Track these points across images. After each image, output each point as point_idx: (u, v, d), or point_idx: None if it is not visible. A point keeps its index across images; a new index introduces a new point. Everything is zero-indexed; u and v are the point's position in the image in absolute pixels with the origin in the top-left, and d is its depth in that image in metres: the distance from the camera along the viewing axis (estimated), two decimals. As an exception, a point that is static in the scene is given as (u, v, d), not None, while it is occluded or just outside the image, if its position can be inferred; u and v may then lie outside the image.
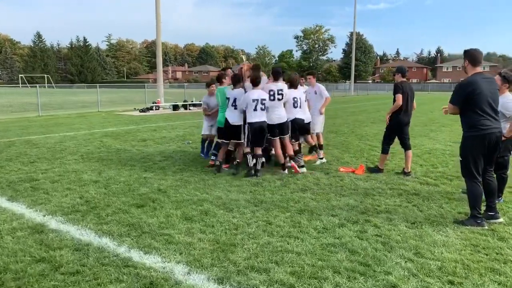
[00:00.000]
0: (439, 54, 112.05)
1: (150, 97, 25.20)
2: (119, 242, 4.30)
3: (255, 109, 7.08)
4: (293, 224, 4.83)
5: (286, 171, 7.41)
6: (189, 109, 25.56)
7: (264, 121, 7.18)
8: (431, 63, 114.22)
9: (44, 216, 5.13)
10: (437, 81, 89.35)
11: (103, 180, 6.95)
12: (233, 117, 7.38)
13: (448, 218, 5.00)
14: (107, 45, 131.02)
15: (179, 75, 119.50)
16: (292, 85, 7.80)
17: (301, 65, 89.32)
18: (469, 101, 4.67)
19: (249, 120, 7.16)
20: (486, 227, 4.68)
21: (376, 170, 7.47)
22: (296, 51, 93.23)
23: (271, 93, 7.34)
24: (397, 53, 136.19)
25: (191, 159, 8.88)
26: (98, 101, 23.71)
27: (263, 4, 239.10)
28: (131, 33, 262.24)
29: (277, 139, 7.39)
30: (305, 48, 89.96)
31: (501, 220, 4.83)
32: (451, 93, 5.00)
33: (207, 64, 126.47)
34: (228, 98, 7.48)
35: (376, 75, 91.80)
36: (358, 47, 64.48)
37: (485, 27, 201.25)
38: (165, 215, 5.16)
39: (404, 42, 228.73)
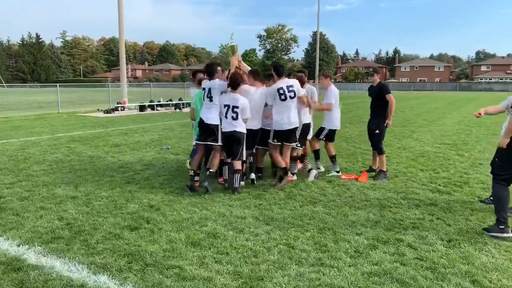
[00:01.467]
0: (397, 54, 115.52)
1: (113, 97, 23.78)
2: (120, 280, 3.53)
3: (225, 116, 6.23)
4: (319, 247, 4.23)
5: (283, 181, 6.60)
6: (157, 110, 24.43)
7: (235, 131, 6.19)
8: (389, 63, 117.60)
9: (19, 246, 4.24)
10: (395, 81, 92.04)
11: (82, 196, 6.05)
12: (208, 114, 6.34)
13: (482, 233, 4.58)
14: (61, 42, 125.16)
15: (139, 73, 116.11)
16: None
17: (264, 64, 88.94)
18: None
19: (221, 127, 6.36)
20: (510, 235, 4.41)
21: (382, 174, 7.00)
22: (260, 50, 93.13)
23: (281, 91, 6.38)
24: (357, 53, 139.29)
25: (176, 168, 8.08)
26: (58, 102, 22.08)
27: (223, 3, 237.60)
28: (87, 30, 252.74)
29: (278, 145, 6.71)
30: (268, 47, 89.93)
31: None
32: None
33: (168, 62, 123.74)
34: (204, 90, 6.43)
35: (338, 74, 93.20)
36: (321, 47, 65.04)
37: (437, 29, 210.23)
38: (167, 239, 4.41)
39: (362, 43, 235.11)
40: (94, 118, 18.96)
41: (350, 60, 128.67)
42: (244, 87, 6.42)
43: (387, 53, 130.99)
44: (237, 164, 6.31)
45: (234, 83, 6.20)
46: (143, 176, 7.33)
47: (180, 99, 27.26)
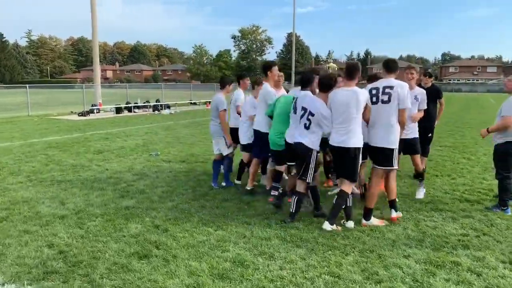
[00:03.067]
0: (368, 56, 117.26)
1: (85, 99, 22.41)
2: (143, 333, 2.79)
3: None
4: (370, 275, 3.61)
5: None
6: (134, 112, 23.32)
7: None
8: (361, 64, 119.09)
9: (3, 285, 3.42)
10: (363, 82, 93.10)
11: (72, 215, 5.21)
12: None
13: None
14: (27, 41, 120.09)
15: (109, 74, 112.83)
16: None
17: (239, 65, 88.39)
18: None
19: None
20: None
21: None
22: (234, 51, 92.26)
23: (373, 92, 4.88)
24: (329, 54, 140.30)
25: (173, 178, 7.30)
26: (28, 104, 20.66)
27: (195, 3, 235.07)
28: (54, 29, 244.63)
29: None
30: (243, 48, 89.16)
31: None
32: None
33: (139, 62, 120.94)
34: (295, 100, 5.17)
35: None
36: (296, 48, 64.97)
37: (405, 31, 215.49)
38: (188, 271, 3.68)
39: (334, 44, 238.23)
40: (69, 121, 17.74)
41: (322, 62, 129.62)
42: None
43: (358, 54, 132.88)
44: (302, 186, 5.07)
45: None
46: (138, 188, 6.52)
47: (157, 101, 26.22)
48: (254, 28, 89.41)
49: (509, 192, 5.44)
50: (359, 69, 4.72)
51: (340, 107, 4.63)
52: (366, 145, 4.87)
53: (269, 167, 6.28)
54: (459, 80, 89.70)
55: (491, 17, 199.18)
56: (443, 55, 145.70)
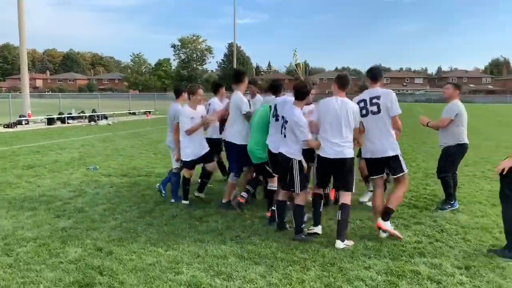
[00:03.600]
0: (307, 68, 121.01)
1: (12, 109, 20.55)
2: None
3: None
4: (334, 291, 3.47)
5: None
6: (68, 123, 21.90)
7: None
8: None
9: None
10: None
11: (-2, 240, 4.58)
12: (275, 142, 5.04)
13: (492, 256, 4.19)
14: None
15: (39, 83, 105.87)
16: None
17: (179, 74, 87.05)
18: None
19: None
20: None
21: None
22: (174, 60, 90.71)
23: (361, 104, 4.79)
24: (269, 65, 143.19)
25: (115, 193, 6.77)
26: None
27: (131, 11, 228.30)
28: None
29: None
30: (183, 57, 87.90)
31: None
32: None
33: (72, 71, 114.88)
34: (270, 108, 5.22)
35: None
36: (237, 58, 65.31)
37: (340, 44, 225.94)
38: (137, 300, 3.30)
39: (274, 56, 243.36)
40: (-7, 133, 16.18)
41: (263, 73, 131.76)
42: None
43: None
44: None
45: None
46: (76, 206, 5.94)
47: (93, 111, 24.88)
48: (194, 38, 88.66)
49: (455, 186, 5.88)
50: (350, 81, 4.65)
51: (330, 118, 4.49)
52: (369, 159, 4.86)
53: (230, 180, 5.97)
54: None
55: (417, 32, 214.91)
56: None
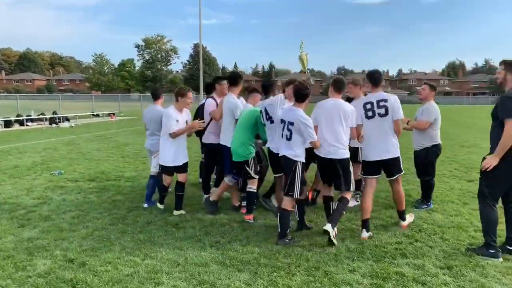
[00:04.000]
0: (273, 69, 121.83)
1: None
2: None
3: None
4: (322, 297, 3.39)
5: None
6: (27, 125, 20.89)
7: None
8: (265, 77, 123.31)
9: None
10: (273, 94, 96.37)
11: (-45, 254, 4.20)
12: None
13: (472, 254, 4.25)
14: None
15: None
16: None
17: (144, 75, 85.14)
18: None
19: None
20: (501, 260, 4.09)
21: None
22: (138, 60, 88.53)
23: (368, 106, 4.87)
24: (235, 66, 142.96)
25: (82, 200, 6.44)
26: None
27: (92, 10, 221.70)
28: None
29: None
30: (147, 58, 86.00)
31: None
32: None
33: (30, 71, 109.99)
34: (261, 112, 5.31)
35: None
36: (203, 59, 64.66)
37: (305, 46, 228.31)
38: (117, 315, 3.09)
39: (240, 57, 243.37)
40: None
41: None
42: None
43: (263, 67, 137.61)
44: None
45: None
46: (41, 214, 5.59)
47: (54, 113, 23.86)
48: (159, 38, 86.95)
49: (433, 188, 6.07)
50: (345, 84, 4.93)
51: (329, 118, 4.65)
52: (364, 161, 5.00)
53: (227, 181, 5.77)
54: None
55: (379, 36, 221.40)
56: (339, 69, 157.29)
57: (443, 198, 6.48)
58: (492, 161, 3.99)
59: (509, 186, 4.13)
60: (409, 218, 5.26)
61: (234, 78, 5.73)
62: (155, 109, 6.11)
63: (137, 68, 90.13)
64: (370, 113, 4.84)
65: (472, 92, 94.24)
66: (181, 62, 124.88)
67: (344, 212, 4.86)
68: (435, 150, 5.92)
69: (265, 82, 5.75)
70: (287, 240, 4.56)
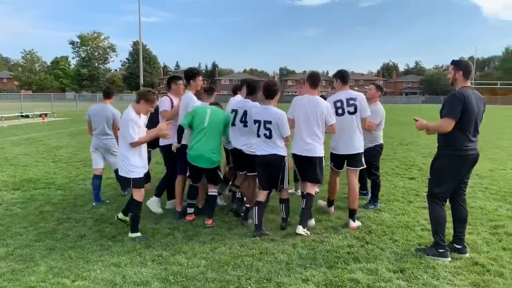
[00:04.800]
0: (216, 68, 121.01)
1: None
2: None
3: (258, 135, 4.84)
4: (275, 312, 3.13)
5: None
6: None
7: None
8: (209, 76, 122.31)
9: None
10: (217, 93, 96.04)
11: None
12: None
13: (421, 255, 4.22)
14: None
15: None
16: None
17: (79, 73, 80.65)
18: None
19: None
20: (449, 259, 4.09)
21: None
22: (73, 58, 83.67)
23: (338, 104, 5.08)
24: (177, 65, 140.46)
25: (3, 212, 5.70)
26: None
27: (21, 4, 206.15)
28: None
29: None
30: (83, 55, 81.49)
31: (467, 255, 4.19)
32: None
33: None
34: (235, 111, 5.25)
35: (161, 86, 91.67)
36: (143, 57, 62.45)
37: (247, 46, 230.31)
38: None
39: (182, 55, 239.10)
40: None
41: (171, 72, 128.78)
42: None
43: (206, 66, 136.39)
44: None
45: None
46: (-48, 232, 4.83)
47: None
48: (96, 35, 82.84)
49: (380, 187, 6.14)
50: (321, 79, 4.97)
51: (305, 115, 4.78)
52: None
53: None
54: (295, 92, 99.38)
55: (319, 37, 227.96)
56: (281, 69, 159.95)
57: (389, 197, 6.53)
58: (423, 124, 4.16)
59: (456, 185, 4.16)
60: (358, 223, 5.20)
61: (189, 75, 5.37)
62: (106, 108, 6.07)
63: (72, 66, 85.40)
64: (340, 111, 5.04)
65: (405, 92, 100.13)
66: (120, 61, 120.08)
67: (311, 208, 5.04)
68: (378, 150, 6.00)
69: (252, 82, 5.39)
70: (264, 231, 4.79)
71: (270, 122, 4.65)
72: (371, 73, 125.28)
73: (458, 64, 4.08)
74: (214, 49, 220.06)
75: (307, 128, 4.77)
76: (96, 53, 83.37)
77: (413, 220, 5.34)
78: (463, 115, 3.90)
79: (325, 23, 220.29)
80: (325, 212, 5.67)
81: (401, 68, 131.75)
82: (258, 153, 4.84)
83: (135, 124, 4.54)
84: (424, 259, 4.10)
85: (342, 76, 5.09)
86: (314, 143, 4.77)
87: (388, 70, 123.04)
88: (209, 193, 5.22)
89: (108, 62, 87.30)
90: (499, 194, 6.77)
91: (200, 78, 5.42)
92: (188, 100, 5.28)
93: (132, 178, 4.60)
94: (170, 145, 5.41)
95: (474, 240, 4.63)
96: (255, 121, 4.78)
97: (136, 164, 4.61)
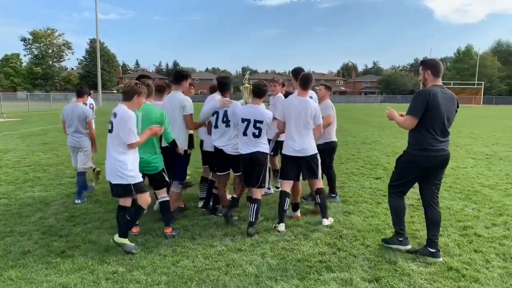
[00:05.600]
0: (177, 67, 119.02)
1: None
2: None
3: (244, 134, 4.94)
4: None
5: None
6: None
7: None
8: (170, 75, 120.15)
9: None
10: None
11: None
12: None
13: (396, 261, 4.05)
14: None
15: None
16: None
17: (32, 72, 76.75)
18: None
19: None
20: (409, 247, 4.26)
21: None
22: (25, 55, 79.51)
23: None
24: (137, 64, 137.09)
25: None
26: None
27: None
28: None
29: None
30: (36, 53, 77.58)
31: (441, 259, 4.06)
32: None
33: None
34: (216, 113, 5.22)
35: (121, 85, 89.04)
36: (101, 55, 60.15)
37: (209, 45, 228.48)
38: None
39: (142, 54, 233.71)
40: None
41: (130, 71, 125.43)
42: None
43: (167, 65, 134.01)
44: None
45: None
46: None
47: None
48: (49, 31, 79.14)
49: (334, 180, 6.34)
50: (312, 79, 5.02)
51: (296, 116, 4.89)
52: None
53: (174, 189, 5.35)
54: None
55: (279, 36, 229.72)
56: (243, 68, 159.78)
57: (357, 198, 6.39)
58: (393, 114, 4.20)
59: (422, 182, 4.19)
60: (330, 220, 5.21)
61: (178, 76, 5.31)
62: (77, 107, 6.24)
63: (24, 64, 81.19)
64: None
65: (364, 92, 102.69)
66: (77, 59, 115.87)
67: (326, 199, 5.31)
68: (327, 147, 6.04)
69: (222, 79, 5.41)
70: (250, 230, 4.76)
71: (261, 122, 4.82)
72: (331, 73, 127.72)
73: (425, 64, 4.08)
74: (175, 48, 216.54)
75: (298, 128, 4.88)
76: (50, 51, 79.82)
77: (383, 223, 5.20)
78: (428, 113, 3.87)
79: (286, 23, 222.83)
80: (292, 217, 5.42)
81: (360, 68, 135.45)
82: (243, 152, 4.92)
83: (134, 123, 4.15)
84: (399, 266, 3.93)
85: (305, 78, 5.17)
86: (306, 142, 4.91)
87: (347, 70, 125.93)
88: (160, 200, 4.75)
89: (64, 60, 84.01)
90: (464, 193, 6.81)
91: (189, 80, 5.42)
92: (184, 101, 5.20)
93: (133, 184, 4.16)
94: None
95: (445, 243, 4.54)
96: (244, 120, 4.85)
97: (134, 167, 4.19)
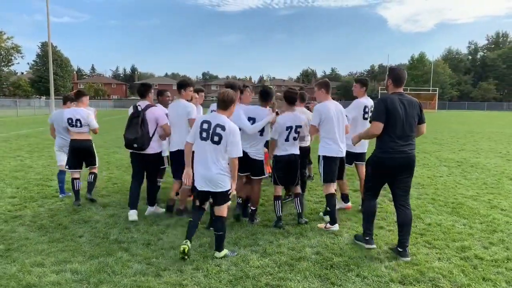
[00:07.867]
0: (136, 72, 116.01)
1: None
2: None
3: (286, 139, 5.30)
4: None
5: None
6: None
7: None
8: (128, 80, 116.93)
9: None
10: (134, 98, 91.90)
11: None
12: None
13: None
14: None
15: None
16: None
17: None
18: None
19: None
20: (374, 246, 4.50)
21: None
22: (-31, 59, 74.10)
23: (366, 109, 6.11)
24: (93, 68, 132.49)
25: None
26: None
27: None
28: None
29: None
30: (-19, 56, 72.73)
31: (409, 259, 4.25)
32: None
33: None
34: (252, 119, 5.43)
35: (75, 90, 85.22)
36: (53, 59, 56.92)
37: (168, 50, 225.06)
38: None
39: (98, 59, 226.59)
40: None
41: (86, 76, 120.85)
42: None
43: (124, 70, 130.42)
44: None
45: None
46: None
47: None
48: (-3, 34, 74.40)
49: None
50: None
51: (336, 119, 5.17)
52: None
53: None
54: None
55: (239, 43, 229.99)
56: (204, 74, 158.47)
57: (341, 216, 5.80)
58: (356, 136, 4.83)
59: (391, 185, 4.40)
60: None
61: (178, 86, 5.75)
62: (64, 112, 6.44)
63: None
64: (366, 116, 5.91)
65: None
66: (27, 63, 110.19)
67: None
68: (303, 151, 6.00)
69: (268, 89, 5.67)
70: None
71: (300, 127, 5.32)
72: (291, 79, 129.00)
73: (389, 72, 4.39)
74: (133, 53, 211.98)
75: (340, 131, 5.22)
76: (-2, 54, 74.89)
77: (376, 248, 4.62)
78: (387, 118, 4.13)
79: (245, 30, 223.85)
80: (276, 240, 4.74)
81: (319, 74, 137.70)
82: (279, 153, 5.29)
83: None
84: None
85: (326, 85, 5.44)
86: (344, 144, 5.32)
87: (307, 77, 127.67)
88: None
89: (13, 64, 79.04)
90: (448, 206, 6.42)
91: (191, 89, 5.80)
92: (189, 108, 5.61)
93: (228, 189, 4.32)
94: (156, 153, 5.65)
95: (449, 270, 4.01)
96: (287, 128, 5.19)
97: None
